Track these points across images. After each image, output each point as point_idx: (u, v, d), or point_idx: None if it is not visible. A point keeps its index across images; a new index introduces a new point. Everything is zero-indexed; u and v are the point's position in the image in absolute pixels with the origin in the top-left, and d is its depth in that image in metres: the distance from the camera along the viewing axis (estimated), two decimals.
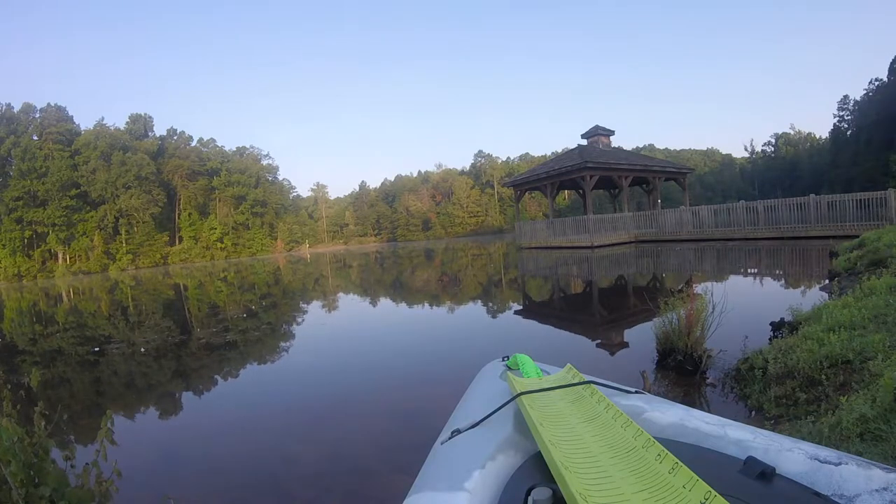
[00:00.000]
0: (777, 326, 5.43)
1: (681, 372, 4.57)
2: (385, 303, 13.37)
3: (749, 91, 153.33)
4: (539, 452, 1.20)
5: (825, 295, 7.26)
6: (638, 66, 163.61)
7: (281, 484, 3.45)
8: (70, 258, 68.56)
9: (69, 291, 30.62)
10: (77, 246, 68.50)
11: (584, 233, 24.88)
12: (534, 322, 8.56)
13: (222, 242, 79.46)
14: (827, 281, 8.72)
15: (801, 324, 5.00)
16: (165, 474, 3.92)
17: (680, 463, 1.00)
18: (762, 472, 1.02)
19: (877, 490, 0.92)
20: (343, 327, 10.12)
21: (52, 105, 71.10)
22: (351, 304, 13.72)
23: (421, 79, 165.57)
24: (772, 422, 3.33)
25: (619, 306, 9.52)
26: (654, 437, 1.14)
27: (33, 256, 66.50)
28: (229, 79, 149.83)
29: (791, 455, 1.06)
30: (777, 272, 12.27)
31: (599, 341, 6.64)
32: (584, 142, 29.79)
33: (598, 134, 29.16)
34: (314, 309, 13.32)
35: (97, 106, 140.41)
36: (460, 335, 7.97)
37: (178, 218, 79.46)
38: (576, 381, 1.57)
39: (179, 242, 78.51)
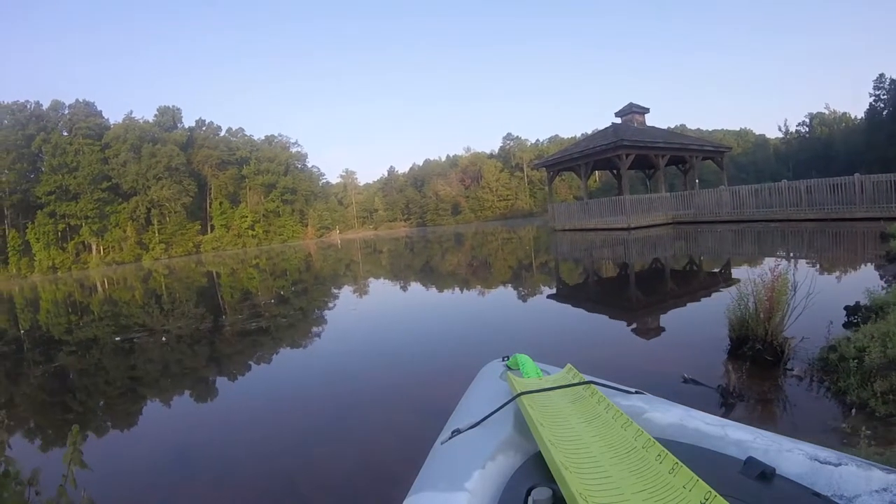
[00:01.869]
0: (852, 310, 4.90)
1: (758, 362, 4.03)
2: (416, 287, 13.12)
3: (783, 69, 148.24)
4: (539, 452, 1.20)
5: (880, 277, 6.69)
6: (669, 46, 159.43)
7: (304, 482, 3.15)
8: (104, 249, 69.46)
9: (103, 282, 30.97)
10: (110, 237, 69.35)
11: (621, 214, 24.03)
12: (582, 311, 7.99)
13: (253, 230, 79.82)
14: (886, 263, 8.09)
15: (881, 308, 4.48)
16: (192, 461, 3.72)
17: (680, 463, 1.01)
18: (762, 473, 1.03)
19: (876, 491, 0.94)
20: (373, 313, 9.83)
21: (81, 101, 71.98)
22: (381, 289, 13.47)
23: (449, 62, 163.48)
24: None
25: (671, 291, 8.83)
26: (655, 438, 1.14)
27: (67, 249, 67.44)
28: (256, 68, 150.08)
29: (791, 455, 1.08)
30: (828, 254, 11.57)
31: (656, 329, 6.11)
32: (618, 120, 28.73)
33: (632, 112, 28.11)
34: (345, 294, 13.07)
35: (125, 100, 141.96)
36: (497, 324, 7.44)
37: (210, 207, 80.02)
38: (576, 381, 1.57)
39: (211, 231, 79.14)
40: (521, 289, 10.73)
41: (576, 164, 27.54)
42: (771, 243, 14.13)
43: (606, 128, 28.23)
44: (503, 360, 1.97)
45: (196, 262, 45.27)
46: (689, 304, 7.26)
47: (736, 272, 9.21)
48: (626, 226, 23.26)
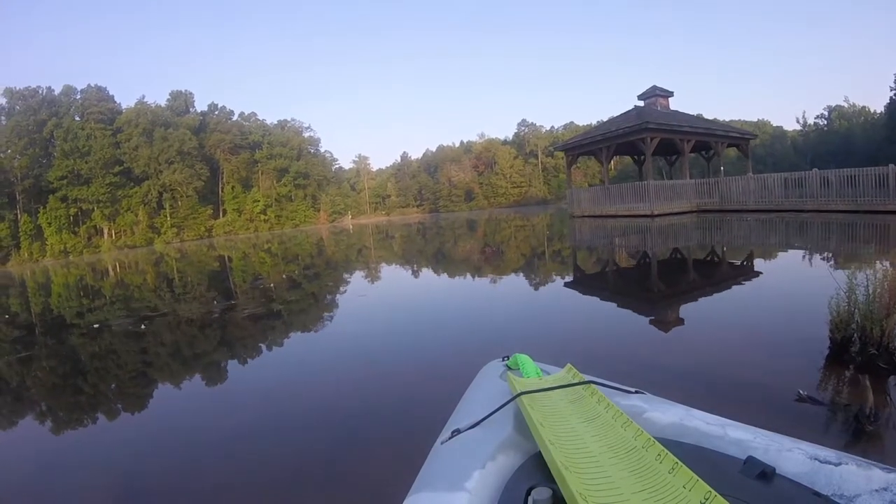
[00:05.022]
0: None
1: (867, 371, 3.24)
2: (428, 274, 12.64)
3: (801, 61, 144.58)
4: (539, 452, 1.20)
5: None
6: (687, 35, 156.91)
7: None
8: (115, 233, 69.42)
9: (115, 266, 30.67)
10: (122, 221, 69.26)
11: (644, 200, 23.17)
12: (634, 312, 7.28)
13: (266, 214, 79.65)
14: None
15: None
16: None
17: (680, 463, 1.01)
18: (762, 472, 1.03)
19: (876, 490, 0.94)
20: (384, 300, 9.36)
21: (93, 86, 71.66)
22: (393, 275, 13.04)
23: (464, 47, 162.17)
24: None
25: (732, 286, 7.60)
26: (654, 437, 1.14)
27: (79, 233, 67.37)
28: (269, 53, 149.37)
29: (791, 455, 1.08)
30: (879, 248, 10.67)
31: (730, 329, 5.05)
32: (641, 103, 27.79)
33: (656, 95, 27.09)
34: (357, 280, 12.67)
35: (138, 85, 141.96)
36: (513, 314, 6.84)
37: (222, 191, 79.81)
38: (576, 381, 1.56)
39: (223, 215, 78.97)
40: (555, 278, 10.10)
41: (597, 148, 26.68)
42: (813, 235, 13.30)
43: (629, 110, 27.31)
44: (503, 360, 1.94)
45: (208, 246, 44.97)
46: (754, 301, 6.30)
47: (802, 268, 8.52)
48: (649, 212, 22.44)
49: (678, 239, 14.83)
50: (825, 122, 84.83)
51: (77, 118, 69.14)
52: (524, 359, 1.83)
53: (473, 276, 11.10)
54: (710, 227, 17.40)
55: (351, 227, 63.62)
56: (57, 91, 69.80)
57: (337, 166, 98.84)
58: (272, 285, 12.26)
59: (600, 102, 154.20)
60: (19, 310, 13.82)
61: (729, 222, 18.08)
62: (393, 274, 13.20)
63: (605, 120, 37.50)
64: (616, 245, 14.68)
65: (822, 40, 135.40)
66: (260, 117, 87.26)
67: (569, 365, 1.72)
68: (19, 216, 64.88)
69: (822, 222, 15.22)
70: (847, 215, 16.12)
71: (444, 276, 12.05)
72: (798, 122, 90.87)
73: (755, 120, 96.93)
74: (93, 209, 67.40)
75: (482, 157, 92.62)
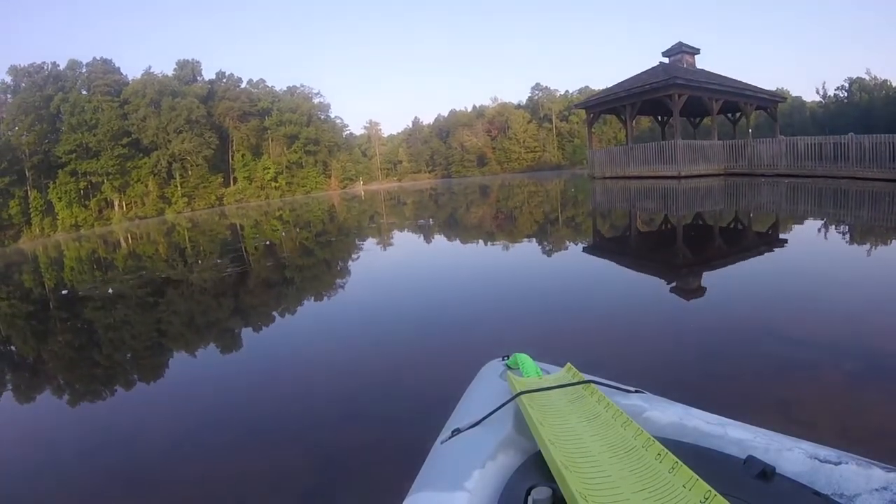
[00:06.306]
0: None
1: None
2: (440, 241, 12.42)
3: (823, 30, 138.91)
4: (539, 452, 1.21)
5: None
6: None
7: None
8: (126, 205, 69.15)
9: (126, 237, 30.41)
10: (132, 192, 68.88)
11: (670, 162, 22.24)
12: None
13: (276, 182, 78.94)
14: None
15: None
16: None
17: (680, 462, 1.01)
18: (762, 472, 1.03)
19: (876, 489, 0.94)
20: (396, 267, 9.32)
21: (98, 59, 70.79)
22: (405, 242, 12.84)
23: (477, 8, 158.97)
24: None
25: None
26: (654, 437, 1.15)
27: (89, 206, 67.07)
28: (276, 17, 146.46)
29: (791, 454, 1.07)
30: None
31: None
32: (666, 60, 26.48)
33: (681, 52, 25.64)
34: (369, 246, 12.66)
35: (144, 55, 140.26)
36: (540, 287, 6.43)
37: (232, 159, 79.06)
38: (575, 380, 1.55)
39: (234, 183, 78.39)
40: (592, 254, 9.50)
41: (620, 105, 25.62)
42: (867, 205, 12.33)
43: (654, 66, 25.99)
44: (503, 360, 1.88)
45: (219, 214, 44.80)
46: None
47: None
48: (676, 174, 21.57)
49: (717, 204, 14.12)
50: (845, 95, 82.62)
51: (83, 92, 68.47)
52: (524, 358, 1.80)
53: (487, 243, 10.88)
54: (744, 192, 16.53)
55: (362, 193, 63.32)
56: (62, 66, 69.25)
57: (347, 132, 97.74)
58: (285, 253, 12.18)
59: (615, 66, 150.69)
60: (33, 285, 13.54)
61: (761, 187, 17.18)
62: (405, 242, 12.88)
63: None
64: (640, 210, 14.07)
65: (846, 9, 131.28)
66: (269, 84, 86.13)
67: (569, 364, 1.69)
68: (29, 193, 64.76)
69: (859, 190, 14.33)
70: (886, 184, 15.09)
71: (457, 242, 11.92)
72: (818, 92, 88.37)
73: (773, 89, 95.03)
74: (102, 181, 67.09)
75: (495, 121, 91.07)
